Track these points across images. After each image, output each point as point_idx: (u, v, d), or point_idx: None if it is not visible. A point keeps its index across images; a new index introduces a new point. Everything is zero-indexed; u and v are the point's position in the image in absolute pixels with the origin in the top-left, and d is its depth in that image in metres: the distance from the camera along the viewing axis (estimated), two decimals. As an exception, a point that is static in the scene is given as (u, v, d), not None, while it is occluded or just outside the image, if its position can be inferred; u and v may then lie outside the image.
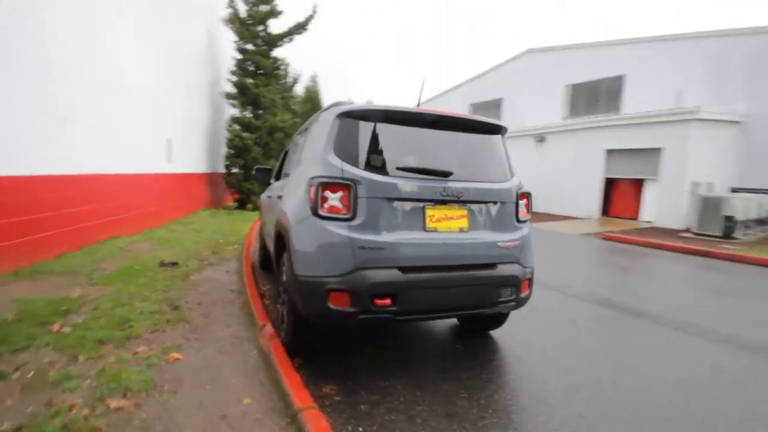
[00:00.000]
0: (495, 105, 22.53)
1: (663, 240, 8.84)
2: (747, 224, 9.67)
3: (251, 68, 10.56)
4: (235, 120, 10.27)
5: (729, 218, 9.39)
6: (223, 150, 10.60)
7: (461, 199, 2.42)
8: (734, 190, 11.93)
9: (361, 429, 1.97)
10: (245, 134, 9.98)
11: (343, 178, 2.25)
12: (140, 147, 6.79)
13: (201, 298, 3.73)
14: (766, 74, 12.70)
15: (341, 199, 2.24)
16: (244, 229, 8.03)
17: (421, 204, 2.34)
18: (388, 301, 2.19)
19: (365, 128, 2.39)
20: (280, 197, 3.04)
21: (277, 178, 4.52)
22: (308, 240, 2.27)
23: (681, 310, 4.21)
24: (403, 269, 2.25)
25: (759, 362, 3.00)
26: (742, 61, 13.35)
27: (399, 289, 2.21)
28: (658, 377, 2.66)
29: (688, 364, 2.91)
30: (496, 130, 2.73)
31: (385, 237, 2.25)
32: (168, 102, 7.71)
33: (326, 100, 20.58)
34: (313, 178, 2.32)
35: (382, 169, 2.31)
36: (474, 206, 2.48)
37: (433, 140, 2.50)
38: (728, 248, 7.93)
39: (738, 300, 4.80)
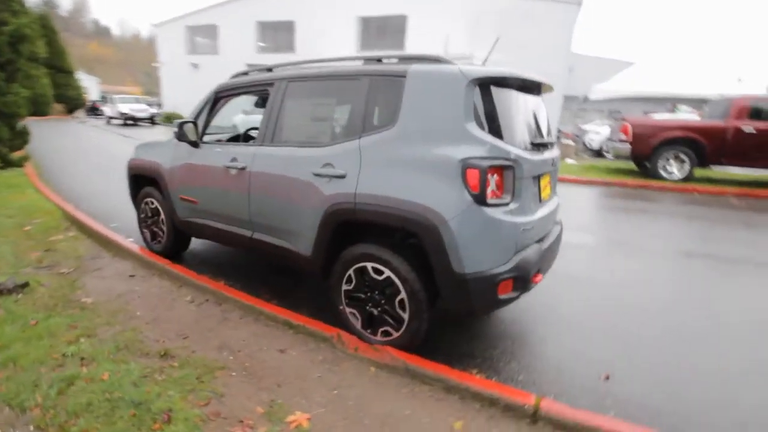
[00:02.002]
0: (286, 27, 20.96)
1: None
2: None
3: None
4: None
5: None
6: None
7: (553, 167, 2.56)
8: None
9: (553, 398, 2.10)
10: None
11: (506, 159, 1.99)
12: None
13: (169, 328, 2.53)
14: (502, 31, 16.76)
15: (501, 182, 2.00)
16: (34, 200, 5.30)
17: (537, 177, 2.35)
18: (540, 277, 2.23)
19: (497, 96, 2.09)
20: (334, 177, 2.28)
21: (201, 136, 3.22)
22: (477, 233, 1.95)
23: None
24: (539, 241, 2.31)
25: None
26: (489, 17, 17.07)
27: (543, 262, 2.27)
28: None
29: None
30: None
31: (532, 215, 2.20)
32: None
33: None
34: (468, 159, 1.94)
35: (523, 144, 2.15)
36: (552, 173, 2.67)
37: (531, 108, 2.44)
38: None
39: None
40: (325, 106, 2.57)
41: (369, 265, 2.27)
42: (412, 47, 18.58)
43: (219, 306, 2.82)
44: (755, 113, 7.88)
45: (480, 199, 1.94)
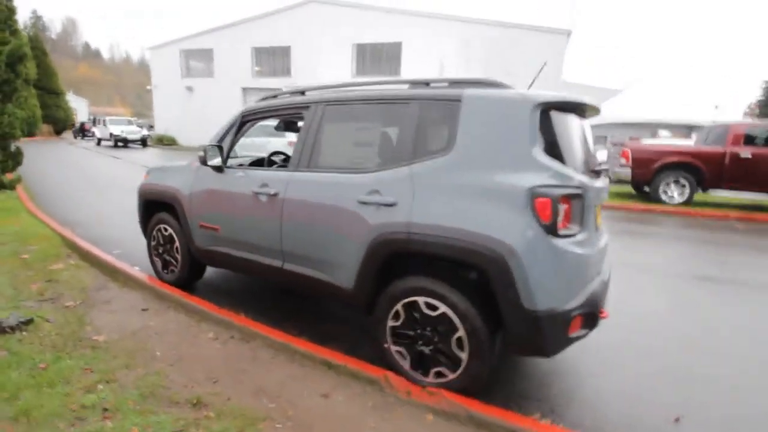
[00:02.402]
0: (283, 53, 21.24)
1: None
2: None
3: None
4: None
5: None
6: None
7: (604, 195, 2.47)
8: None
9: (627, 446, 1.93)
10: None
11: (575, 186, 1.89)
12: None
13: (196, 370, 2.29)
14: (491, 58, 17.23)
15: (569, 211, 1.89)
16: (30, 225, 5.02)
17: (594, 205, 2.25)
18: (606, 313, 2.09)
19: (557, 121, 2.00)
20: (383, 205, 2.15)
21: (225, 160, 3.06)
22: (549, 266, 1.82)
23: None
24: (598, 273, 2.18)
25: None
26: (479, 44, 17.57)
27: (604, 296, 2.15)
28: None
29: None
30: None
31: (594, 246, 2.08)
32: None
33: None
34: (538, 187, 1.82)
35: (583, 171, 2.06)
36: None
37: (583, 132, 2.35)
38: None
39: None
40: (369, 130, 2.46)
41: (421, 299, 2.10)
42: (407, 72, 18.94)
43: (246, 343, 2.60)
44: (750, 139, 8.11)
45: (551, 230, 1.82)
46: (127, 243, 4.65)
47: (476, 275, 2.03)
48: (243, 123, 3.07)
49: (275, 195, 2.62)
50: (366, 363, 2.33)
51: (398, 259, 2.19)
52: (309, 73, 19.93)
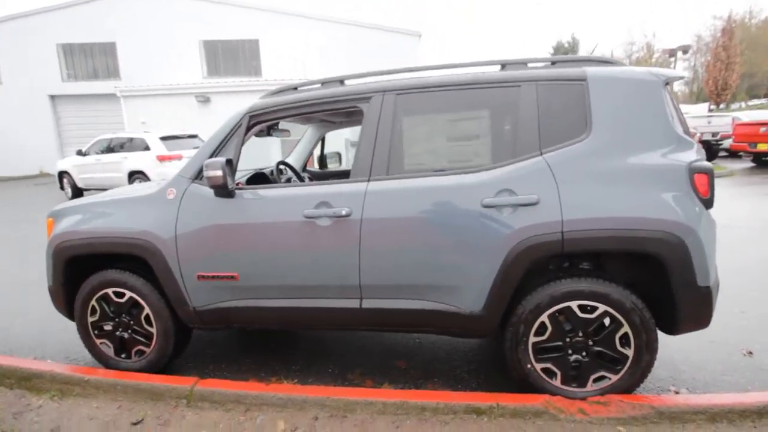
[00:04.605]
0: (105, 50, 17.29)
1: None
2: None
3: None
4: None
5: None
6: None
7: None
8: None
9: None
10: None
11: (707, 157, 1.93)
12: None
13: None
14: (354, 57, 17.52)
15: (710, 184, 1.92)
16: None
17: None
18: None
19: (669, 95, 2.01)
20: (522, 205, 1.82)
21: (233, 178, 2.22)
22: (712, 239, 1.83)
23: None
24: None
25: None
26: (341, 43, 17.64)
27: None
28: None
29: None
30: None
31: None
32: None
33: None
34: (694, 163, 1.80)
35: None
36: None
37: None
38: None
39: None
40: (470, 120, 2.05)
41: (574, 303, 1.88)
42: (269, 72, 17.70)
43: (344, 419, 1.92)
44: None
45: (709, 204, 1.83)
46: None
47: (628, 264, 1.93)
48: (250, 127, 2.25)
49: (347, 216, 1.99)
50: (513, 393, 1.98)
51: (539, 264, 1.92)
52: (145, 74, 16.70)
